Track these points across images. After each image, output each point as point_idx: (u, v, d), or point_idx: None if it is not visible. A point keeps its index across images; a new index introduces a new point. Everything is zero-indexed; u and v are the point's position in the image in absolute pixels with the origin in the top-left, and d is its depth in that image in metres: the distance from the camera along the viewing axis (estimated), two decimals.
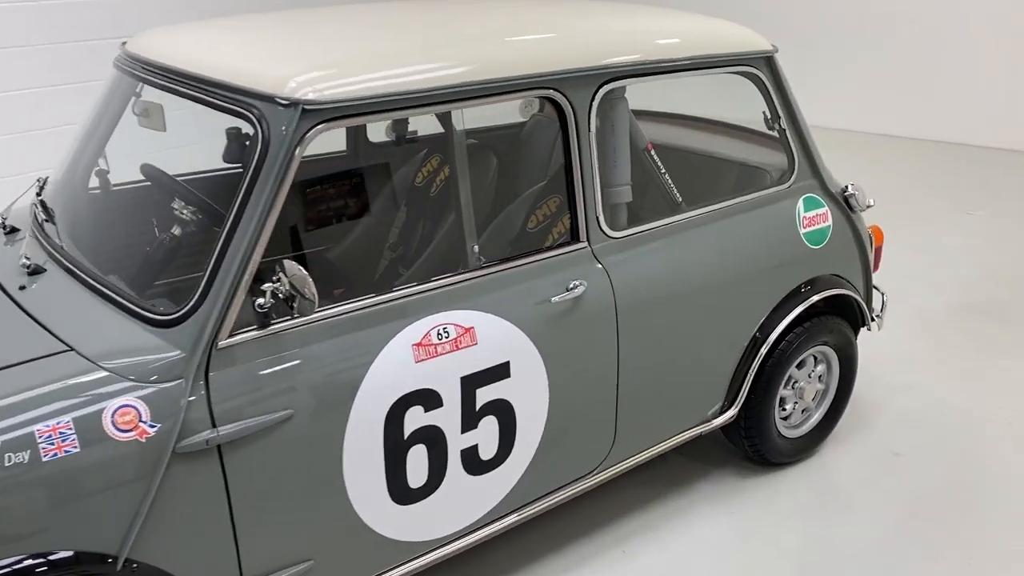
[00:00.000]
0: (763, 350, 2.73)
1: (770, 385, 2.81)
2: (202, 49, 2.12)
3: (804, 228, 2.80)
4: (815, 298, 2.80)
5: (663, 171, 2.58)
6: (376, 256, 3.20)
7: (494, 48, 2.15)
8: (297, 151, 1.83)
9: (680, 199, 2.62)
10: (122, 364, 1.74)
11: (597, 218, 2.33)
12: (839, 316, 2.97)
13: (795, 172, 2.81)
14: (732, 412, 2.75)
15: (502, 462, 2.24)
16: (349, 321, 1.95)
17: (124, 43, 2.41)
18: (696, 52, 2.47)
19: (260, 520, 1.87)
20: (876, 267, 3.19)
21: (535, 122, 3.65)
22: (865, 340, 3.74)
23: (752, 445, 2.91)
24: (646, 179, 2.64)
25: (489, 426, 2.17)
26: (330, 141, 3.38)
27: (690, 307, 2.52)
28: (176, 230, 2.14)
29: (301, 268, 1.77)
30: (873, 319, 3.15)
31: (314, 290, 1.77)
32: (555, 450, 2.35)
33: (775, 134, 2.80)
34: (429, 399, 2.04)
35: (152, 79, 2.15)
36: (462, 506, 2.21)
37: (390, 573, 2.14)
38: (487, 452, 2.19)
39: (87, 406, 1.67)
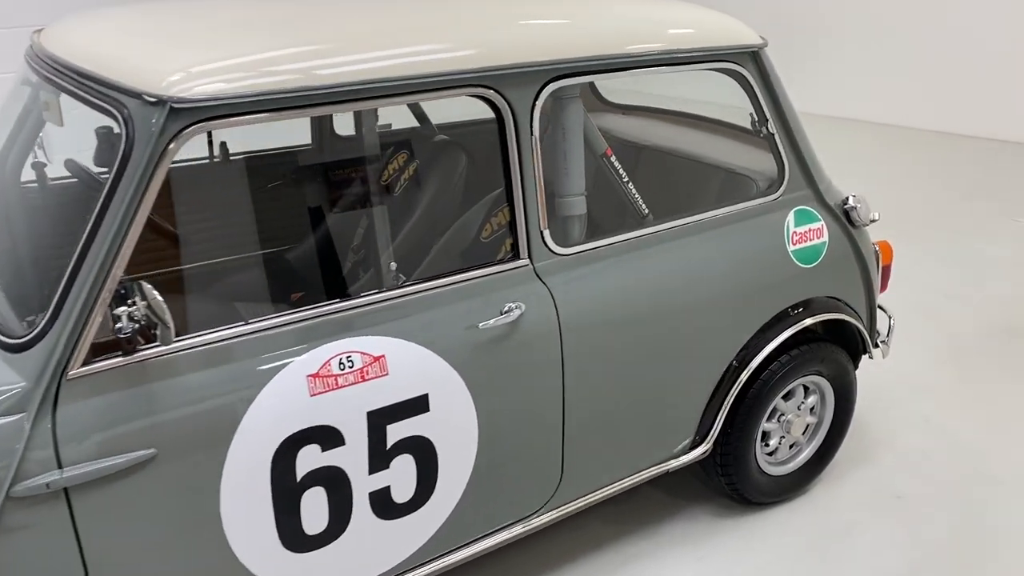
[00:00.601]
0: (741, 380, 2.44)
1: (750, 418, 2.51)
2: (90, 39, 1.90)
3: (794, 245, 2.49)
4: (804, 323, 2.49)
5: (626, 180, 2.29)
6: (338, 259, 2.99)
7: (411, 40, 1.89)
8: (166, 154, 1.61)
9: (647, 211, 2.34)
10: None
11: (541, 233, 2.07)
12: (834, 343, 2.66)
13: (785, 182, 2.50)
14: (704, 448, 2.47)
15: (422, 504, 2.00)
16: (229, 349, 1.72)
17: (36, 31, 2.21)
18: (664, 46, 2.18)
19: (121, 574, 1.67)
20: (884, 287, 2.86)
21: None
22: (878, 365, 3.42)
23: (729, 483, 2.62)
24: (608, 189, 2.37)
25: (403, 466, 1.93)
26: (294, 133, 3.18)
27: (652, 333, 2.25)
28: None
29: (156, 293, 1.55)
30: (877, 345, 2.83)
31: (169, 318, 1.55)
32: (488, 490, 2.10)
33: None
34: (327, 437, 1.81)
35: (39, 70, 1.95)
36: (375, 552, 1.97)
37: None
38: (402, 494, 1.96)
39: None
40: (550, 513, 2.26)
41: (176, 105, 1.59)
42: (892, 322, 2.91)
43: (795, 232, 2.50)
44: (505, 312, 2.00)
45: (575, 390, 2.15)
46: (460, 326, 1.95)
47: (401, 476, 1.94)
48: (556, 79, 2.03)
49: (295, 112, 1.72)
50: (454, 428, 1.98)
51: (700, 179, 2.69)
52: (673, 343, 2.30)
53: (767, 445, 2.66)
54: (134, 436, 1.62)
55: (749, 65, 2.37)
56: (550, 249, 2.09)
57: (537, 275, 2.08)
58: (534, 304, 2.05)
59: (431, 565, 2.08)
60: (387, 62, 1.82)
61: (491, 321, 1.97)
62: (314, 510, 1.84)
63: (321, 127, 3.01)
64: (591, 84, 3.41)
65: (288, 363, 1.76)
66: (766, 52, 2.41)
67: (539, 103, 2.01)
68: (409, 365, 1.89)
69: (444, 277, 1.97)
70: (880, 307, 2.90)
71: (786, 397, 2.65)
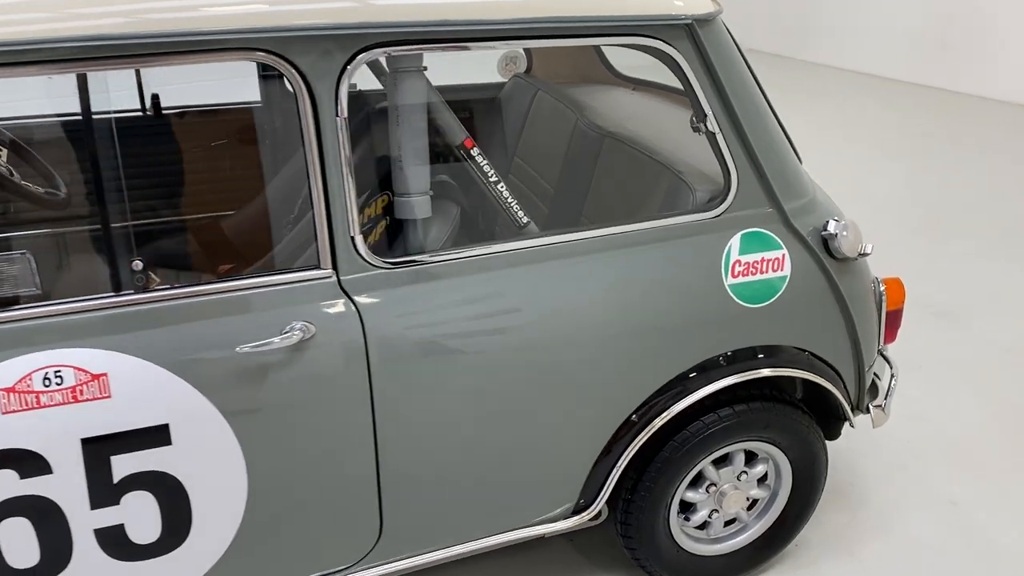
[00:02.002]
0: (641, 439, 1.94)
1: (658, 484, 2.02)
2: None
3: (733, 277, 1.94)
4: (729, 380, 1.95)
5: (494, 179, 1.82)
6: (273, 230, 2.69)
7: None
8: None
9: (525, 220, 1.86)
10: None
11: (352, 240, 1.66)
12: (794, 405, 2.09)
13: (731, 196, 1.94)
14: (591, 513, 2.00)
15: (176, 547, 1.68)
16: None
17: None
18: (534, 12, 1.68)
19: None
20: (891, 337, 2.24)
21: (513, 84, 2.95)
22: (903, 415, 2.79)
23: (635, 557, 2.14)
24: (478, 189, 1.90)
25: (139, 503, 1.62)
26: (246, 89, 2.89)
27: (508, 373, 1.80)
28: None
29: None
30: (867, 410, 2.22)
31: None
32: (271, 539, 1.75)
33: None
34: (26, 462, 1.52)
35: None
36: None
37: None
38: (143, 535, 1.64)
39: None
40: (372, 569, 1.89)
41: None
42: (894, 380, 2.27)
43: (737, 261, 1.94)
44: (285, 333, 1.62)
45: (391, 435, 1.75)
46: (222, 348, 1.60)
47: (138, 514, 1.62)
48: (373, 47, 1.59)
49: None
50: (210, 467, 1.64)
51: (649, 181, 2.16)
52: (538, 388, 1.83)
53: (687, 519, 2.14)
54: None
55: (681, 43, 1.81)
56: (364, 259, 1.68)
57: (343, 290, 1.68)
58: (332, 326, 1.66)
59: None
60: (127, 17, 1.46)
61: (263, 344, 1.60)
62: (17, 543, 1.56)
63: (268, 86, 2.70)
64: (599, 51, 2.90)
65: None
66: (716, 24, 1.85)
67: (347, 77, 1.59)
68: (142, 389, 1.55)
69: (207, 285, 1.61)
70: (883, 356, 2.28)
71: (721, 462, 2.12)
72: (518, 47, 1.67)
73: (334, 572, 1.86)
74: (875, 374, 2.30)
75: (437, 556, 1.92)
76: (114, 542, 1.63)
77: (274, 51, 1.54)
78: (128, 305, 1.56)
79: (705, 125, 1.88)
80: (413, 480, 1.82)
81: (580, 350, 1.84)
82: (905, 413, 2.97)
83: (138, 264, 1.59)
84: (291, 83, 1.56)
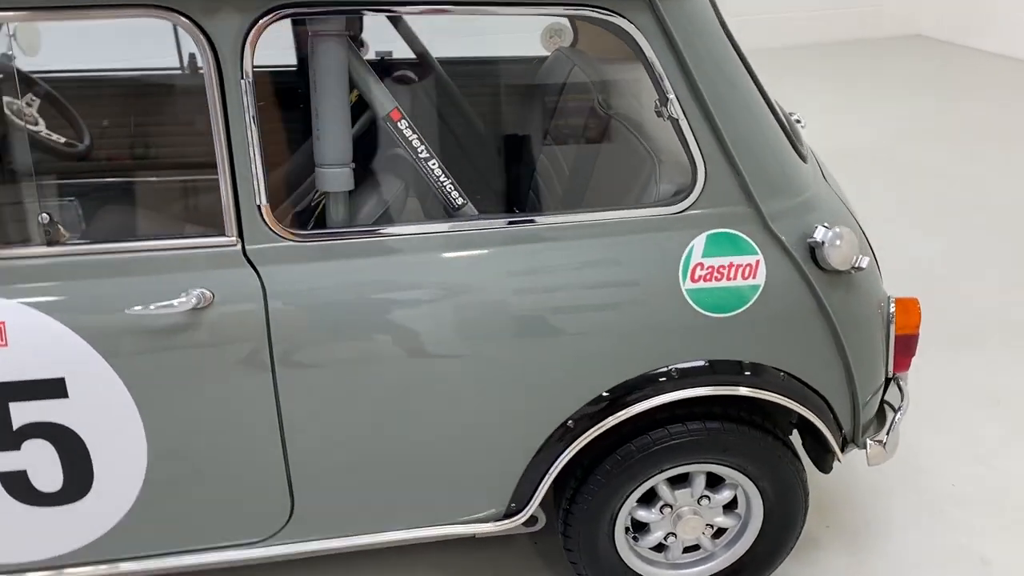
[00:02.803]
0: (575, 448, 1.79)
1: (597, 496, 1.86)
2: None
3: (693, 282, 1.74)
4: (678, 395, 1.76)
5: (423, 154, 1.70)
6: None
7: None
8: None
9: (461, 202, 1.74)
10: None
11: (259, 208, 1.61)
12: (766, 431, 1.87)
13: (697, 190, 1.73)
14: (522, 517, 1.87)
15: (80, 498, 1.70)
16: None
17: None
18: None
19: None
20: (902, 365, 1.96)
21: (554, 58, 2.80)
22: (962, 454, 2.48)
23: (576, 571, 2.00)
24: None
25: (41, 452, 1.64)
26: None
27: (418, 364, 1.69)
28: None
29: None
30: (859, 445, 1.96)
31: None
32: (177, 503, 1.74)
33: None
34: None
35: None
36: (21, 535, 1.73)
37: None
38: (46, 483, 1.67)
39: None
40: (284, 547, 1.85)
41: None
42: (899, 414, 1.98)
43: (699, 264, 1.74)
44: (181, 298, 1.59)
45: (296, 415, 1.69)
46: (118, 308, 1.59)
47: (39, 463, 1.65)
48: (279, 9, 1.52)
49: None
50: (108, 423, 1.64)
51: (635, 168, 1.97)
52: (454, 383, 1.72)
53: (636, 538, 1.97)
54: None
55: (638, 16, 1.62)
56: (271, 230, 1.62)
57: (248, 259, 1.63)
58: (233, 295, 1.62)
59: (119, 567, 1.80)
60: None
61: (160, 307, 1.58)
62: None
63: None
64: None
65: None
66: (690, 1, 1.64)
67: (251, 38, 1.52)
68: (38, 340, 1.57)
69: (111, 243, 1.61)
70: (896, 382, 2.00)
71: (679, 483, 1.93)
72: (434, 16, 1.55)
73: (246, 544, 1.84)
74: (887, 403, 2.03)
75: (354, 542, 1.86)
76: (19, 487, 1.67)
77: (179, 10, 1.49)
78: (31, 257, 1.59)
79: (667, 109, 1.68)
80: (324, 463, 1.76)
81: (501, 347, 1.71)
82: (965, 453, 2.62)
83: (44, 217, 1.61)
84: (196, 44, 1.52)
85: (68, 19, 1.51)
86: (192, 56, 2.73)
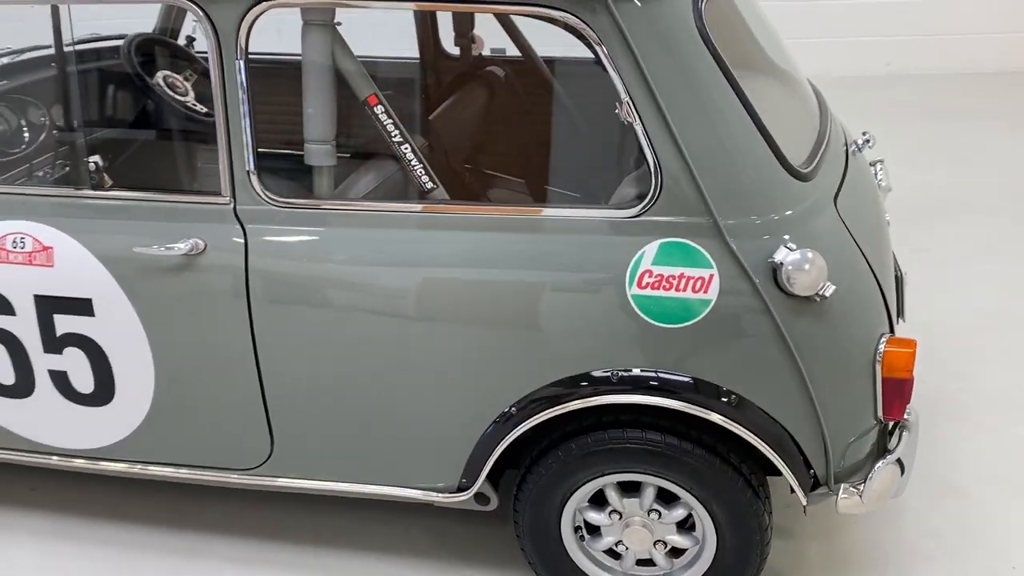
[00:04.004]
0: (513, 435, 1.84)
1: (539, 487, 1.91)
2: None
3: (639, 288, 1.72)
4: (611, 399, 1.74)
5: (397, 138, 1.82)
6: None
7: None
8: None
9: (430, 186, 1.84)
10: None
11: (248, 173, 1.83)
12: (718, 454, 1.79)
13: (651, 197, 1.71)
14: (469, 493, 1.95)
15: (105, 403, 2.04)
16: None
17: None
18: None
19: None
20: (892, 412, 1.79)
21: None
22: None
23: (527, 559, 2.03)
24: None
25: (76, 359, 2.00)
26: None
27: (377, 329, 1.83)
28: None
29: None
30: (828, 488, 1.81)
31: None
32: (178, 420, 2.03)
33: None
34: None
35: None
36: (68, 426, 2.09)
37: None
38: (81, 384, 2.03)
39: None
40: (266, 479, 2.07)
41: None
42: (882, 462, 1.79)
43: (648, 271, 1.71)
44: (179, 244, 1.86)
45: (271, 357, 1.91)
46: (132, 244, 1.89)
47: (76, 367, 2.01)
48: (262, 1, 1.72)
49: None
50: (124, 342, 1.96)
51: (621, 168, 1.96)
52: (408, 354, 1.84)
53: (583, 538, 1.97)
54: None
55: (593, 17, 1.63)
56: (258, 194, 1.84)
57: (237, 217, 1.86)
58: (221, 247, 1.86)
59: (136, 468, 2.13)
60: None
61: (154, 248, 1.86)
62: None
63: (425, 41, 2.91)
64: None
65: None
66: (655, 4, 1.63)
67: (246, 24, 1.75)
68: (74, 265, 1.92)
69: (137, 192, 1.91)
70: (902, 429, 1.83)
71: (631, 490, 1.90)
72: (409, 7, 1.65)
73: (237, 471, 2.08)
74: (889, 451, 1.86)
75: (326, 486, 2.05)
76: (62, 384, 2.04)
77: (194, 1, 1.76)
78: (75, 196, 1.94)
79: (626, 112, 1.68)
80: (295, 405, 1.96)
81: (451, 328, 1.81)
82: None
83: (93, 164, 1.95)
84: (203, 28, 1.77)
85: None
86: None
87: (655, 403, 1.75)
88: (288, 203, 1.85)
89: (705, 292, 1.71)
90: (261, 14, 1.76)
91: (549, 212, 1.79)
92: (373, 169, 2.02)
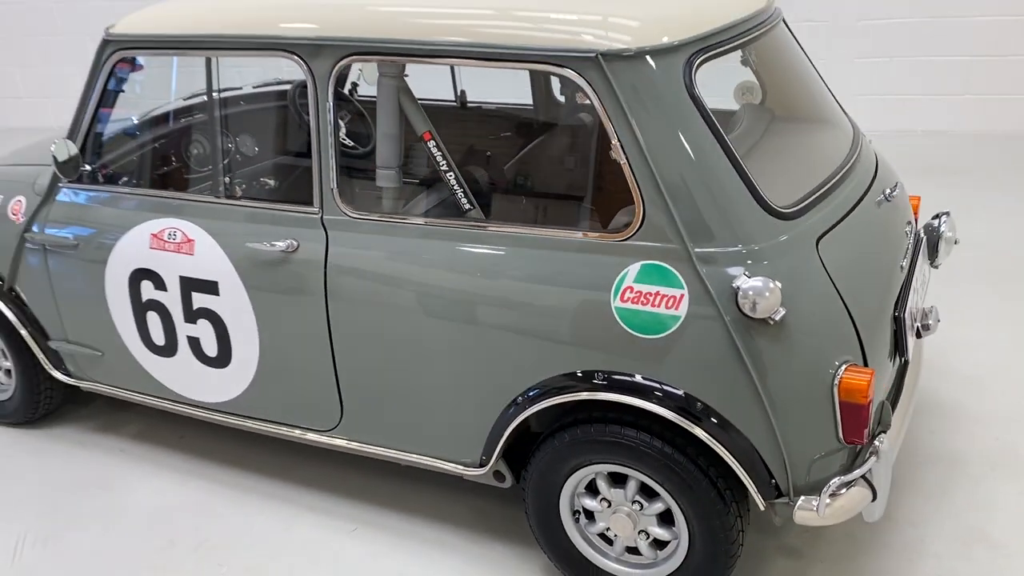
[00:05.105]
0: (517, 421, 2.17)
1: (539, 471, 2.23)
2: None
3: (622, 302, 2.01)
4: (595, 396, 2.04)
5: (444, 167, 2.22)
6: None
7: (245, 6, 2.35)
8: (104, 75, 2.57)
9: (468, 207, 2.23)
10: None
11: (332, 190, 2.31)
12: (685, 455, 2.03)
13: (637, 225, 1.99)
14: (487, 469, 2.29)
15: (224, 365, 2.59)
16: (112, 199, 2.66)
17: None
18: (473, 39, 2.06)
19: (73, 310, 2.82)
20: (851, 435, 1.96)
21: (740, 111, 3.06)
22: None
23: (534, 535, 2.33)
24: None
25: (206, 328, 2.56)
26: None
27: (417, 322, 2.24)
28: None
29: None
30: (786, 499, 1.98)
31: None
32: (277, 385, 2.54)
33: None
34: (156, 279, 2.58)
35: None
36: (201, 381, 2.67)
37: (149, 399, 2.81)
38: (209, 349, 2.59)
39: None
40: (339, 440, 2.53)
41: (107, 38, 2.52)
42: (837, 480, 1.92)
43: (629, 287, 2.00)
44: (279, 242, 2.37)
45: (341, 339, 2.37)
46: (247, 240, 2.43)
47: (206, 335, 2.58)
48: (350, 56, 2.20)
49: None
50: (239, 317, 2.50)
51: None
52: (436, 343, 2.23)
53: (578, 521, 2.24)
54: (69, 227, 2.72)
55: (589, 73, 1.96)
56: (338, 206, 2.32)
57: (322, 223, 2.34)
58: (309, 246, 2.35)
59: (246, 421, 2.67)
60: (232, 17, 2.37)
61: (262, 244, 2.38)
62: (155, 327, 2.66)
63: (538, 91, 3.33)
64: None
65: (144, 223, 2.58)
66: (639, 62, 1.93)
67: (334, 74, 2.23)
68: (208, 254, 2.49)
69: (256, 201, 2.46)
70: (874, 453, 1.98)
71: (620, 482, 2.16)
72: (448, 64, 2.05)
73: (315, 431, 2.56)
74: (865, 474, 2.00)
75: (383, 452, 2.47)
76: (196, 349, 2.62)
77: (295, 52, 2.28)
78: (212, 202, 2.52)
79: (613, 152, 1.99)
80: (360, 383, 2.40)
81: (469, 327, 2.18)
82: None
83: (227, 180, 2.52)
84: (306, 77, 2.28)
85: (234, 56, 2.40)
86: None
87: (628, 402, 2.02)
88: (361, 215, 2.31)
89: (676, 309, 1.97)
90: (348, 66, 2.25)
91: (560, 234, 2.12)
92: (434, 192, 2.44)
